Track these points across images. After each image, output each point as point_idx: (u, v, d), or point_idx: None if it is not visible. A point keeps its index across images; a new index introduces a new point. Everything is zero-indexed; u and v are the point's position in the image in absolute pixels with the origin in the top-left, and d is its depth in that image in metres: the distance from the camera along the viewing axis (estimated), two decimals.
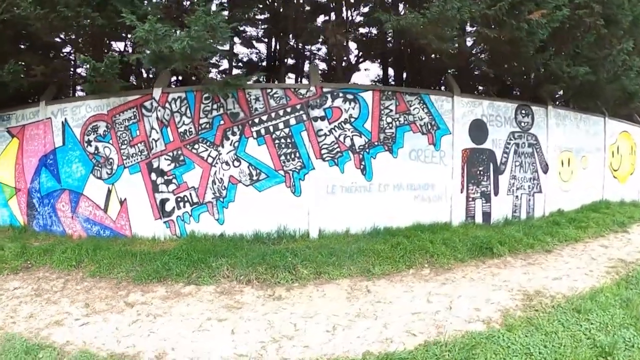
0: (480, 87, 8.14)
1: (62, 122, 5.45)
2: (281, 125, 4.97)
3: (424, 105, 5.40)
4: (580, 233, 5.58)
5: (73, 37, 6.02)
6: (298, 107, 4.97)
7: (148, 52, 4.24)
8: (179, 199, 5.03)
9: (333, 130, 5.04)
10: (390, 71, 9.64)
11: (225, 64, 9.14)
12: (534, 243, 5.01)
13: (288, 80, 9.22)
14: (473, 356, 2.58)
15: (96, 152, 5.25)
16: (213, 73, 8.64)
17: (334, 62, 8.58)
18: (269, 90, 5.00)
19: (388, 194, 5.29)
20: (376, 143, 5.20)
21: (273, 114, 4.96)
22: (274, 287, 3.86)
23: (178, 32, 4.11)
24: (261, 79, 5.80)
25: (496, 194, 5.96)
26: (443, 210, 5.59)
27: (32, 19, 4.56)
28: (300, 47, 9.29)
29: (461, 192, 5.68)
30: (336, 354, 2.69)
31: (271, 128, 4.96)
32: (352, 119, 5.10)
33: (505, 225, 5.75)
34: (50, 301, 3.74)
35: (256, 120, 4.96)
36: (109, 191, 5.20)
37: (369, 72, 13.04)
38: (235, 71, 8.99)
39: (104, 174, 5.23)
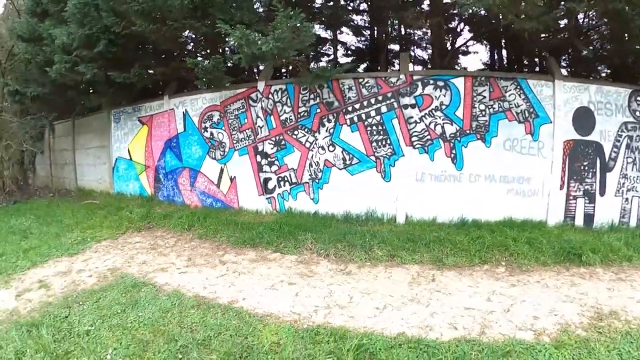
0: (605, 71, 7.59)
1: (183, 112, 6.79)
2: (373, 113, 5.53)
3: (521, 91, 5.34)
4: None
5: (188, 41, 7.39)
6: (389, 95, 5.46)
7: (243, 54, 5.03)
8: (279, 179, 5.97)
9: (423, 118, 5.41)
10: (502, 53, 9.59)
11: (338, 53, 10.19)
12: (633, 256, 4.50)
13: (394, 67, 9.75)
14: None
15: (211, 137, 6.48)
16: (323, 61, 9.70)
17: (436, 47, 8.73)
18: (360, 80, 5.58)
19: (479, 185, 5.37)
20: (468, 131, 5.36)
21: (365, 102, 5.54)
22: (347, 263, 4.39)
23: (269, 36, 4.75)
24: (351, 70, 6.36)
25: (602, 194, 5.50)
26: (539, 207, 5.40)
27: (148, 33, 5.73)
28: (404, 33, 9.76)
29: (560, 188, 5.41)
30: (374, 328, 3.03)
31: (363, 115, 5.56)
32: (443, 107, 5.37)
33: (608, 232, 5.22)
34: (162, 254, 4.90)
35: (349, 109, 5.61)
36: (222, 170, 6.41)
37: (478, 55, 12.90)
38: (344, 59, 9.94)
39: (218, 155, 6.44)
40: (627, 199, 5.63)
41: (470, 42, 9.53)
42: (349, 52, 10.53)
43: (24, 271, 4.48)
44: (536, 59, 8.65)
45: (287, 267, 4.31)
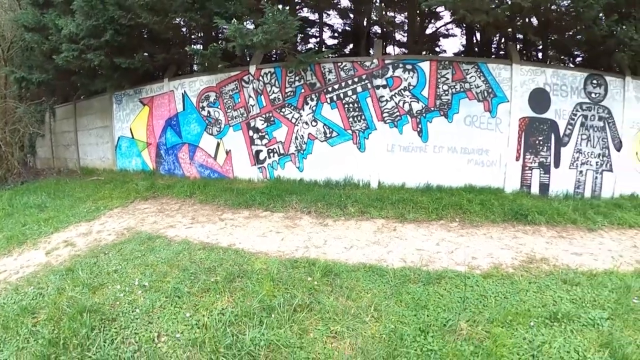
0: (581, 55, 8.42)
1: (182, 93, 7.85)
2: (350, 93, 6.61)
3: (481, 74, 6.28)
4: None
5: (185, 29, 8.46)
6: (364, 77, 6.53)
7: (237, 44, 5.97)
8: (269, 151, 7.10)
9: (394, 97, 6.47)
10: (477, 37, 10.61)
11: (324, 35, 11.19)
12: (578, 219, 5.20)
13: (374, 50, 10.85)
14: (434, 282, 3.42)
15: (208, 115, 7.57)
16: (311, 43, 10.75)
17: (410, 32, 9.72)
18: (339, 64, 6.65)
19: (442, 156, 6.38)
20: (432, 108, 6.37)
21: (343, 83, 6.62)
22: (325, 218, 5.43)
23: (258, 27, 5.67)
24: (330, 55, 7.24)
25: (557, 166, 6.36)
26: (496, 176, 6.33)
27: (151, 24, 6.74)
28: (385, 17, 10.63)
29: (516, 160, 6.31)
30: (341, 259, 4.06)
31: (342, 95, 6.65)
32: (411, 87, 6.41)
33: (561, 200, 5.98)
34: (168, 215, 5.86)
35: (330, 89, 6.69)
36: (218, 144, 7.52)
37: (457, 38, 13.63)
38: (330, 41, 11.04)
39: (214, 131, 7.54)
40: (581, 172, 6.49)
41: (451, 26, 10.64)
42: (335, 34, 11.53)
43: (48, 235, 5.25)
44: (511, 43, 9.76)
45: (276, 221, 5.36)
